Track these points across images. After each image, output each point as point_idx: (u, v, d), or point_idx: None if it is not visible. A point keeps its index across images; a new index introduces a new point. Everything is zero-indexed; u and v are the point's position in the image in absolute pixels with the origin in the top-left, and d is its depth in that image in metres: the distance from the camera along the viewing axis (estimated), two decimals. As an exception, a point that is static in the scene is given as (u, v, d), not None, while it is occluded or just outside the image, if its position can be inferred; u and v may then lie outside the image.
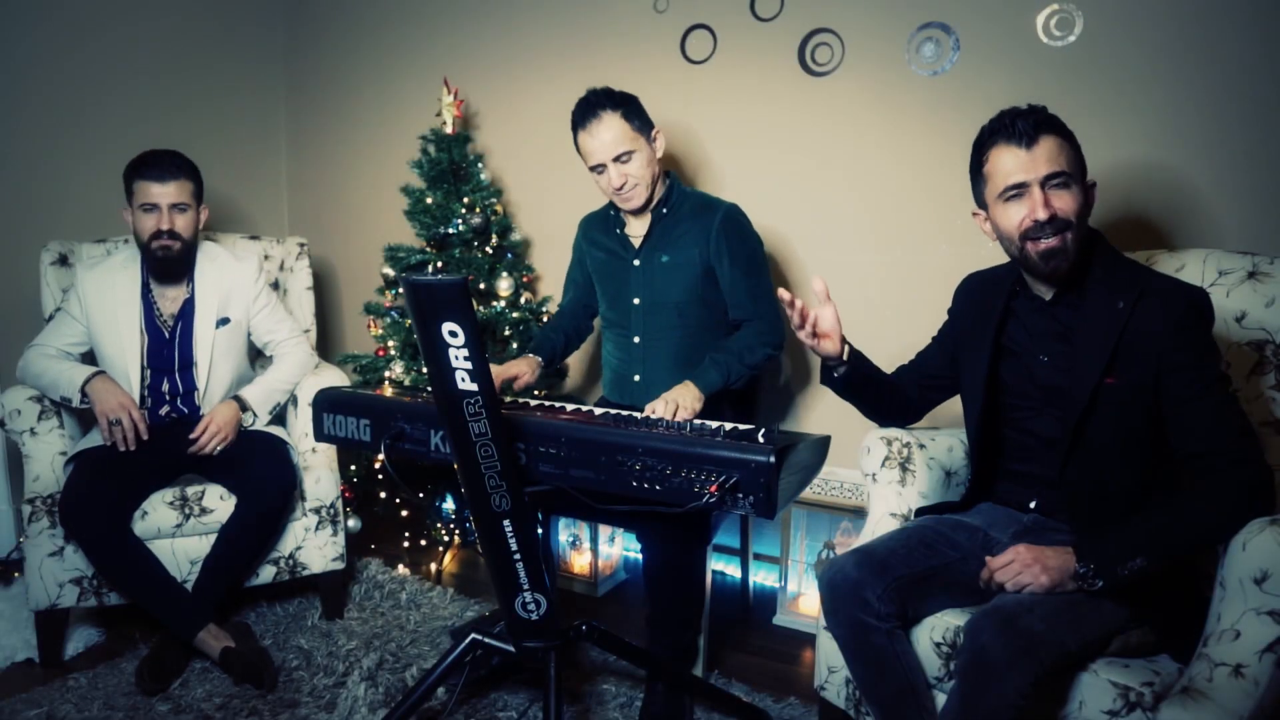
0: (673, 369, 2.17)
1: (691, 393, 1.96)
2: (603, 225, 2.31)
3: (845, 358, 1.72)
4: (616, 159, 2.08)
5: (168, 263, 2.30)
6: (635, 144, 2.08)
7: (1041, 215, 1.49)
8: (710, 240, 2.13)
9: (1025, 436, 1.68)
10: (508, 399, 2.03)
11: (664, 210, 2.18)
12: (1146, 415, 1.50)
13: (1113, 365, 1.51)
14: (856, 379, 1.77)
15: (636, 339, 2.23)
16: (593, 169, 2.13)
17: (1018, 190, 1.52)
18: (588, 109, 2.09)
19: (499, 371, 2.14)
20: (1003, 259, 1.75)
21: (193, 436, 2.25)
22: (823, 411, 2.64)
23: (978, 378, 1.69)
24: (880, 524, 1.83)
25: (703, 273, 2.15)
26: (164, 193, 2.24)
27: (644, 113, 2.13)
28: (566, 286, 2.46)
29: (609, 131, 2.07)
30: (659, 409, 1.89)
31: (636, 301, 2.22)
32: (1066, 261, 1.53)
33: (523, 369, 2.19)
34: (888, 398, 1.84)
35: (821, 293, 1.65)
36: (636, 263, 2.21)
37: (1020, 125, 1.50)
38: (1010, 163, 1.51)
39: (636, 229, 2.22)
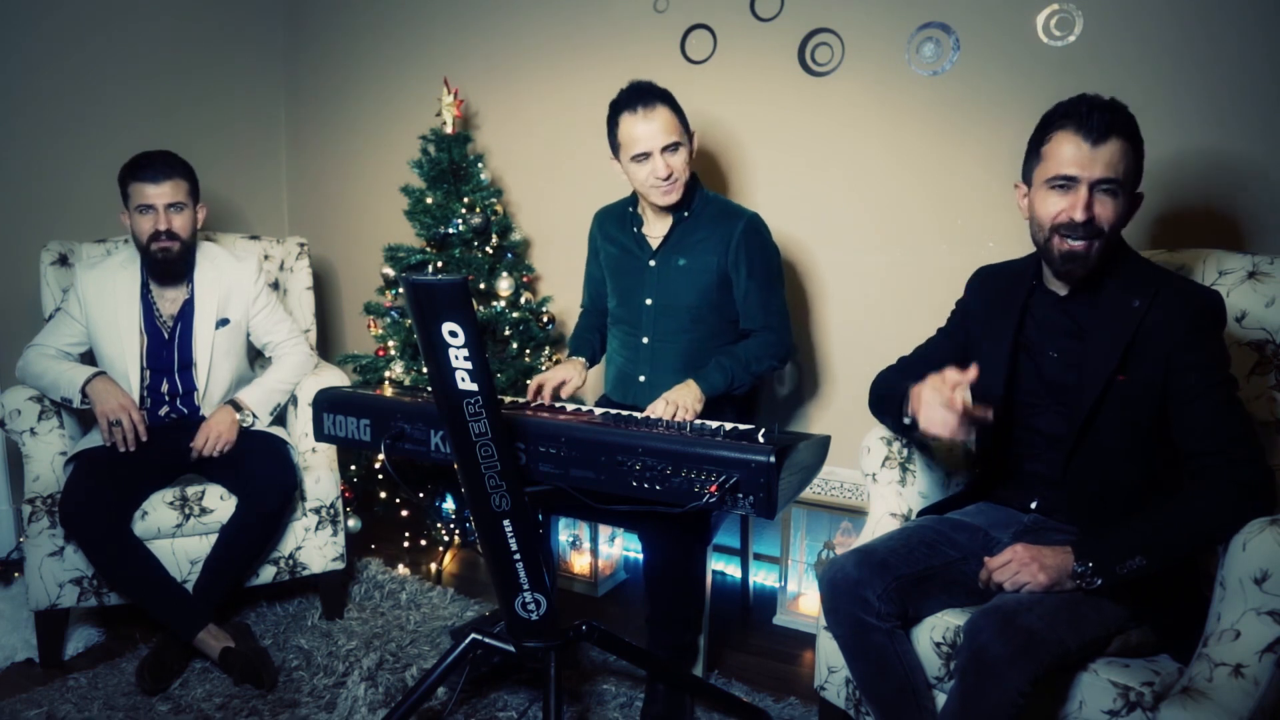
0: (679, 372, 2.15)
1: (693, 393, 1.96)
2: (619, 221, 2.29)
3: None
4: (665, 149, 2.05)
5: (168, 263, 2.30)
6: (682, 138, 2.07)
7: (1080, 216, 1.47)
8: (730, 248, 2.11)
9: (1029, 434, 1.67)
10: (566, 406, 2.01)
11: (685, 213, 2.16)
12: (1153, 414, 1.50)
13: (1125, 362, 1.51)
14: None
15: (645, 339, 2.22)
16: (635, 157, 2.07)
17: (1067, 182, 1.49)
18: (642, 94, 2.05)
19: (546, 378, 2.10)
20: (1004, 256, 1.75)
21: (192, 445, 2.25)
22: (823, 412, 2.64)
23: (996, 373, 1.67)
24: (880, 524, 1.83)
25: (718, 280, 2.14)
26: (159, 193, 2.24)
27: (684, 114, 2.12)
28: (585, 283, 2.43)
29: (662, 119, 2.03)
30: (659, 409, 1.89)
31: (649, 302, 2.20)
32: (1084, 269, 1.52)
33: (570, 373, 2.13)
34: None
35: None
36: (652, 263, 2.19)
37: (1095, 120, 1.46)
38: (1070, 153, 1.48)
39: (655, 229, 2.21)
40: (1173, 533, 1.40)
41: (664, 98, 2.06)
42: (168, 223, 2.25)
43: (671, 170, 2.06)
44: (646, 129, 2.04)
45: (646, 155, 2.05)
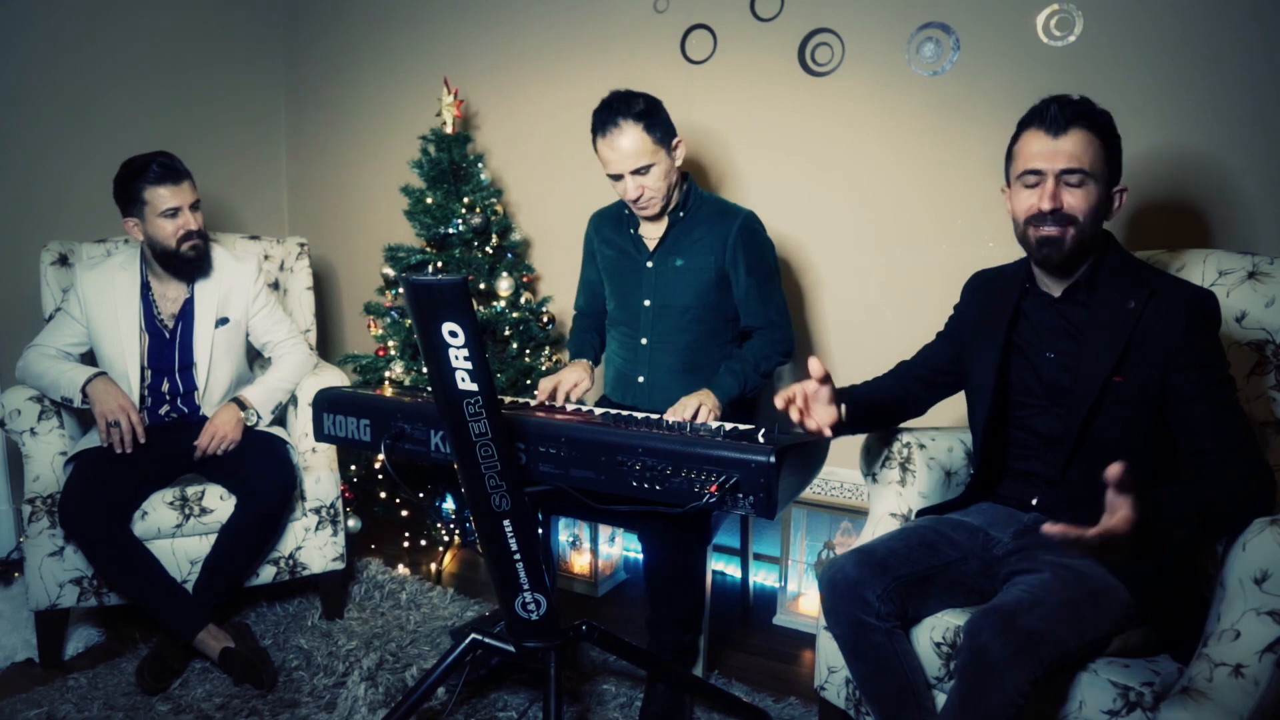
0: (678, 372, 2.16)
1: (712, 398, 1.96)
2: (615, 224, 2.29)
3: (844, 417, 1.61)
4: (635, 171, 2.05)
5: (199, 260, 2.33)
6: (655, 156, 2.05)
7: (1046, 206, 1.50)
8: (727, 247, 2.11)
9: (1028, 435, 1.68)
10: (566, 406, 2.01)
11: (680, 214, 2.16)
12: (1151, 415, 1.50)
13: (1121, 364, 1.51)
14: (861, 419, 1.71)
15: (644, 340, 2.22)
16: (609, 176, 2.11)
17: (1034, 176, 1.52)
18: (608, 117, 2.03)
19: (560, 380, 2.07)
20: (1006, 258, 1.75)
21: (197, 444, 2.25)
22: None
23: (987, 375, 1.68)
24: (880, 524, 1.83)
25: (716, 279, 2.14)
26: (182, 194, 2.26)
27: (666, 121, 2.08)
28: (581, 286, 2.42)
29: (628, 143, 2.02)
30: (684, 407, 1.89)
31: (647, 303, 2.20)
32: (1059, 253, 1.53)
33: (581, 375, 2.12)
34: (896, 413, 1.82)
35: (818, 373, 1.54)
36: (649, 265, 2.19)
37: (1053, 111, 1.50)
38: (1034, 147, 1.52)
39: (651, 231, 2.21)
40: (1204, 512, 1.35)
41: (635, 114, 2.02)
42: (197, 222, 2.28)
43: (642, 191, 2.07)
44: (612, 155, 2.05)
45: (618, 176, 2.08)
